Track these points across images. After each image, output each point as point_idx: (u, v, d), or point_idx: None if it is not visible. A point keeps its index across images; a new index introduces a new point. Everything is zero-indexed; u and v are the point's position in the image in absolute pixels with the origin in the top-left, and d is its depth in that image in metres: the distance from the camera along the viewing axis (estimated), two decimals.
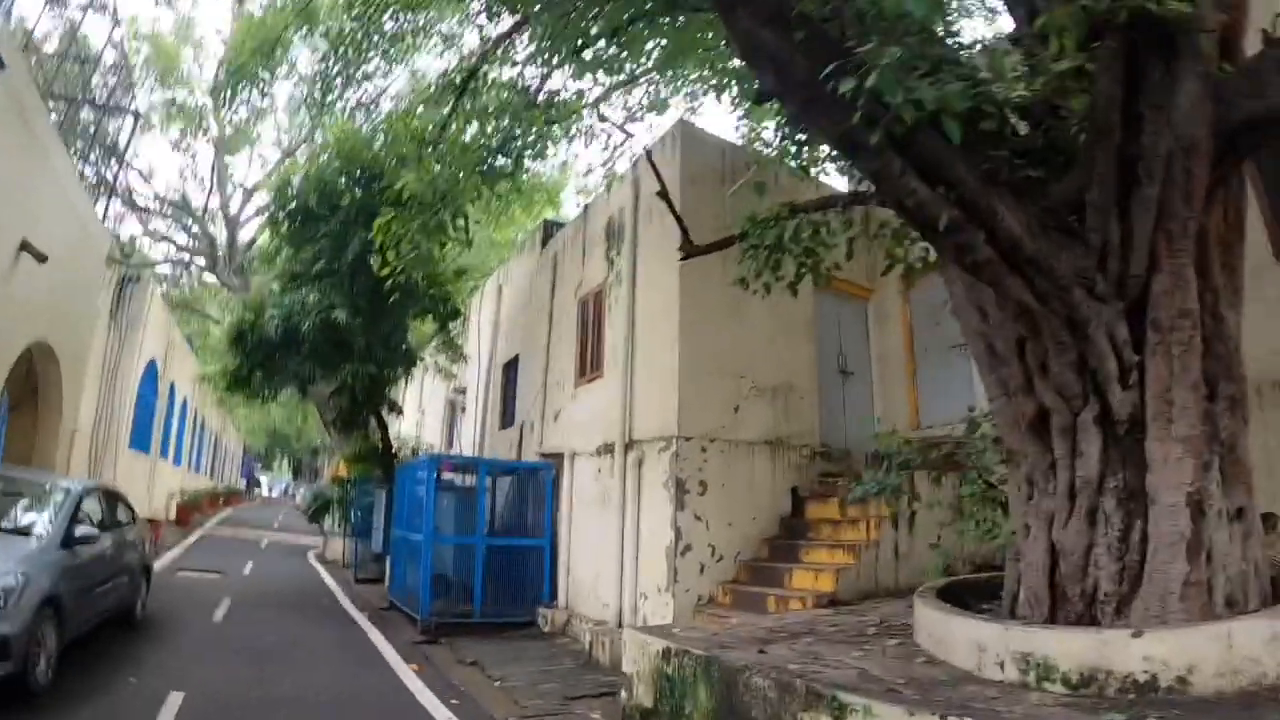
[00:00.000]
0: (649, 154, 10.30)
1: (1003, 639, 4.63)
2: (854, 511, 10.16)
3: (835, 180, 12.20)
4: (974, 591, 6.38)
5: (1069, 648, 4.34)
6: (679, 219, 9.11)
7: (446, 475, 12.82)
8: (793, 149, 9.22)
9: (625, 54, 10.66)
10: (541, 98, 10.76)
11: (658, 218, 11.24)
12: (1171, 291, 4.98)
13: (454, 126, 10.10)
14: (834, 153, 8.17)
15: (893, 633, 6.41)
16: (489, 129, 10.19)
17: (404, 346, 16.76)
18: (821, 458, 11.51)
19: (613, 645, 9.43)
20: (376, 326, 15.33)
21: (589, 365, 12.34)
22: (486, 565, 11.58)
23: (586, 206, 13.76)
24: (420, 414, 21.76)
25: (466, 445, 17.37)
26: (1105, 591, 4.71)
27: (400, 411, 18.85)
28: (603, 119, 12.61)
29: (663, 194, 9.32)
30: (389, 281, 11.65)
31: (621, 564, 10.36)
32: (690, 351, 10.43)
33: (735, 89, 11.24)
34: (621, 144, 11.87)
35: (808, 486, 11.16)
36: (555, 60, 10.24)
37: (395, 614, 12.81)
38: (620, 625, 10.17)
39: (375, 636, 10.96)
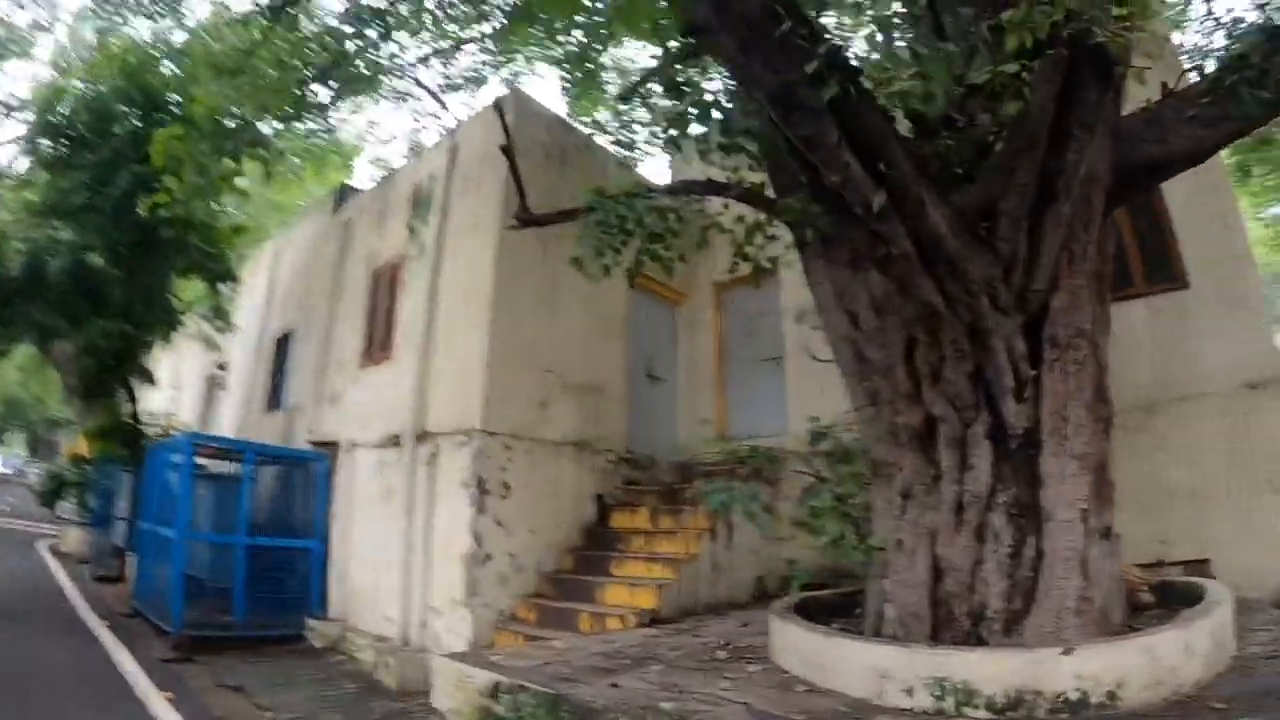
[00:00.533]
0: (499, 106, 8.91)
1: (910, 663, 4.24)
2: (666, 522, 9.32)
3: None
4: (821, 609, 5.99)
5: (992, 670, 4.05)
6: (519, 181, 7.85)
7: (205, 460, 10.68)
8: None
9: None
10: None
11: (474, 188, 9.88)
12: (1069, 310, 4.94)
13: (264, 54, 8.33)
14: (681, 135, 7.25)
15: (744, 656, 5.82)
16: (307, 53, 8.46)
17: (167, 306, 14.02)
18: (627, 464, 10.56)
19: (401, 667, 7.93)
20: (137, 279, 12.75)
21: (377, 345, 10.65)
22: (249, 568, 9.57)
23: (391, 171, 12.06)
24: (175, 390, 18.69)
25: (226, 428, 14.84)
26: (994, 609, 4.54)
27: (154, 383, 15.89)
28: (419, 84, 11.20)
29: (507, 151, 8.03)
30: (158, 223, 9.53)
31: (408, 573, 8.85)
32: (501, 338, 9.11)
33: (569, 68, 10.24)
34: (434, 112, 10.56)
35: (612, 494, 10.16)
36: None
37: (141, 623, 10.34)
38: (407, 643, 8.71)
39: (117, 654, 8.61)
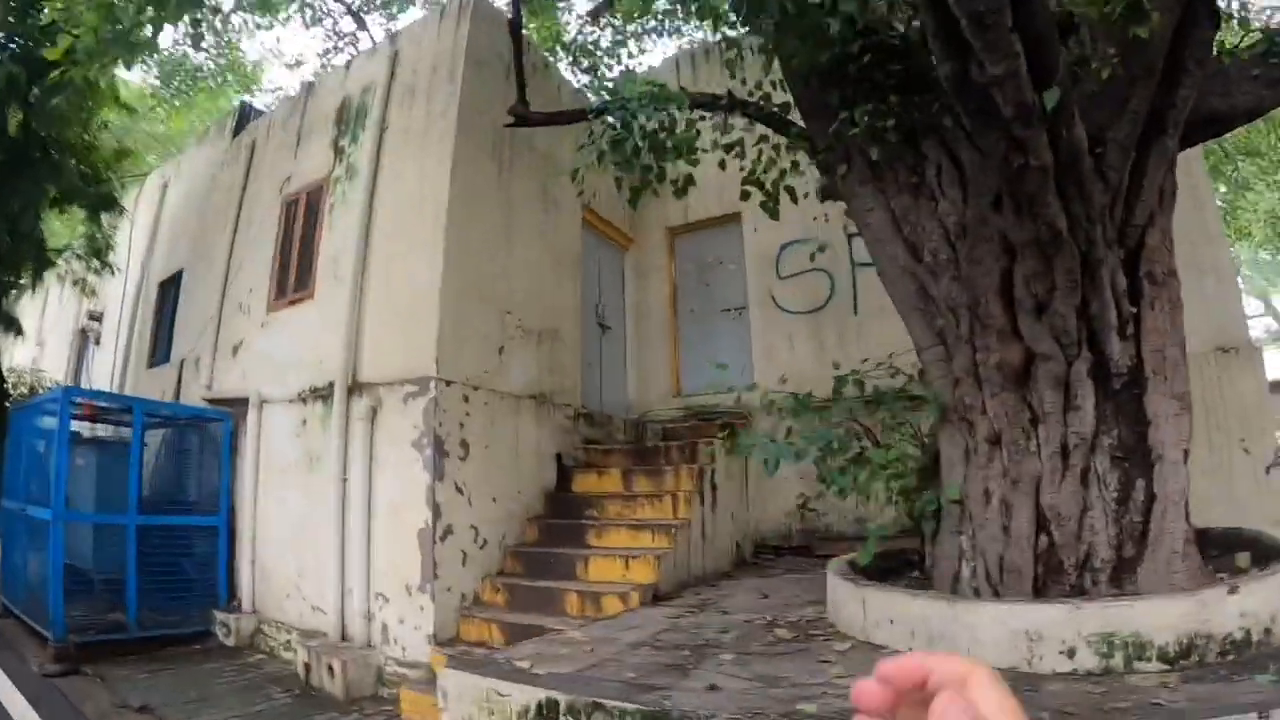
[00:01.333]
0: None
1: (1074, 621, 3.64)
2: (643, 485, 7.76)
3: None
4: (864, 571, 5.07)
5: (1163, 618, 3.60)
6: (520, 71, 6.15)
7: (81, 424, 8.28)
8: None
9: None
10: None
11: (422, 100, 7.92)
12: (1161, 248, 4.63)
13: None
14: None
15: (811, 632, 4.86)
16: None
17: (37, 241, 10.97)
18: (585, 421, 8.93)
19: (345, 670, 6.10)
20: (1, 207, 9.98)
21: (293, 283, 8.50)
22: (142, 555, 7.33)
23: (309, 84, 9.77)
24: (39, 345, 15.41)
25: (101, 386, 12.11)
26: (1102, 558, 4.10)
27: (20, 332, 12.75)
28: None
29: (514, 28, 6.30)
30: (29, 141, 7.15)
31: (343, 553, 6.93)
32: (456, 270, 7.26)
33: None
34: (351, 33, 8.52)
35: (572, 455, 8.52)
36: None
37: (12, 626, 7.94)
38: (346, 638, 6.83)
39: None
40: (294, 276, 8.45)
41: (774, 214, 6.90)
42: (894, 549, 5.85)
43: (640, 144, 5.86)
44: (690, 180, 6.74)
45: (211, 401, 8.82)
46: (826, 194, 6.66)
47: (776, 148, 6.45)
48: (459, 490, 6.82)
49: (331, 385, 7.47)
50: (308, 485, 7.51)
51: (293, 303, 8.37)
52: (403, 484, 6.74)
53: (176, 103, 13.27)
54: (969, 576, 4.39)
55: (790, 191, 6.58)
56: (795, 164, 6.40)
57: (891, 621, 4.23)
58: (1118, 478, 4.21)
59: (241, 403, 8.50)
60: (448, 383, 6.91)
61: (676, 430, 9.30)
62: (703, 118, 6.48)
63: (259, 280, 8.88)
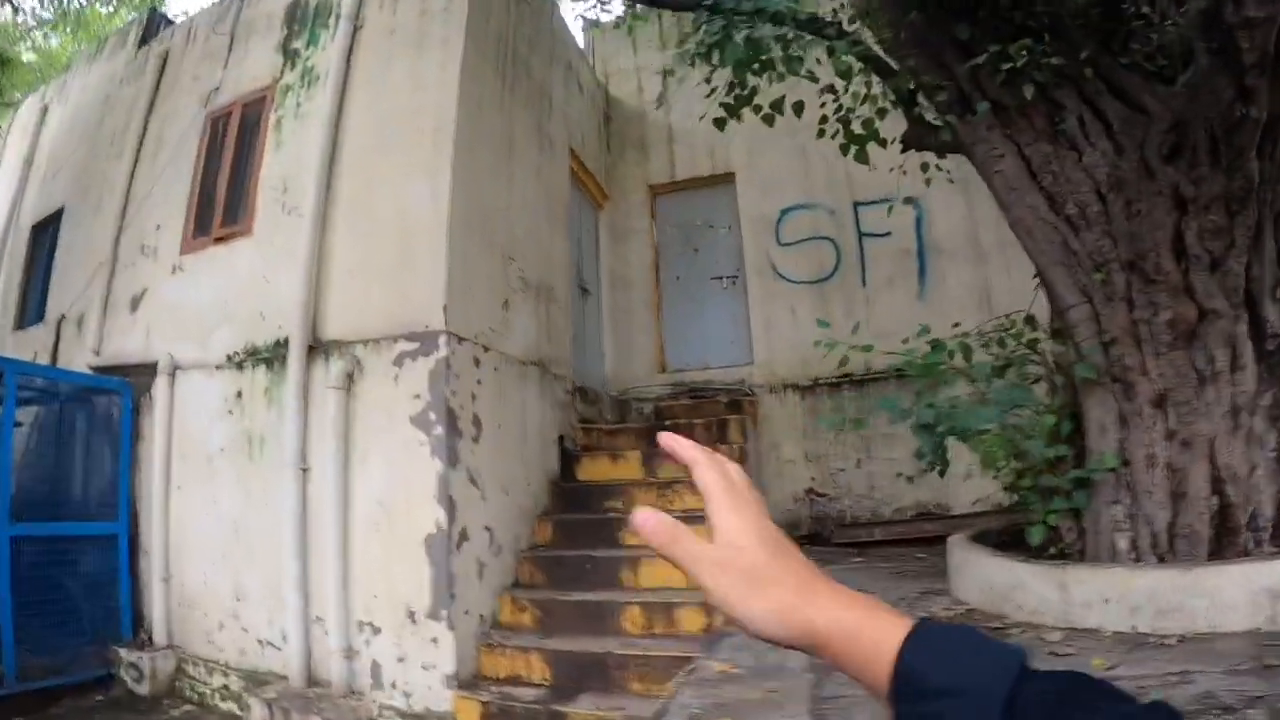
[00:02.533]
0: None
1: None
2: (671, 469, 5.96)
3: None
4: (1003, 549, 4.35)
5: None
6: None
7: None
8: None
9: None
10: None
11: None
12: None
13: None
14: None
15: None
16: None
17: None
18: (580, 397, 7.06)
19: None
20: None
21: (220, 216, 6.03)
22: (16, 578, 4.70)
23: None
24: None
25: None
26: (1266, 517, 3.75)
27: None
28: None
29: None
30: None
31: (305, 569, 4.72)
32: (464, 200, 5.19)
33: None
34: None
35: (570, 436, 6.65)
36: None
37: None
38: (317, 682, 4.66)
39: None
40: (221, 209, 6.04)
41: (864, 159, 5.48)
42: (984, 526, 5.34)
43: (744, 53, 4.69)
44: (778, 105, 5.22)
45: (102, 370, 6.30)
46: (911, 142, 5.51)
47: (869, 85, 5.47)
48: (473, 482, 4.81)
49: (281, 345, 5.23)
50: (247, 479, 5.22)
51: (221, 240, 5.94)
52: (399, 474, 4.65)
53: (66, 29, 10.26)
54: (1126, 548, 3.91)
55: (877, 136, 5.40)
56: (882, 109, 5.39)
57: (1107, 601, 3.56)
58: (1276, 437, 3.92)
59: (145, 370, 6.04)
60: (460, 339, 4.89)
61: (672, 409, 7.54)
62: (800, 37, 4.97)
63: (170, 215, 6.36)
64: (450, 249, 4.97)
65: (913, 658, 0.52)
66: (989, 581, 4.10)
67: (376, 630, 4.48)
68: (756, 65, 5.08)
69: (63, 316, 6.93)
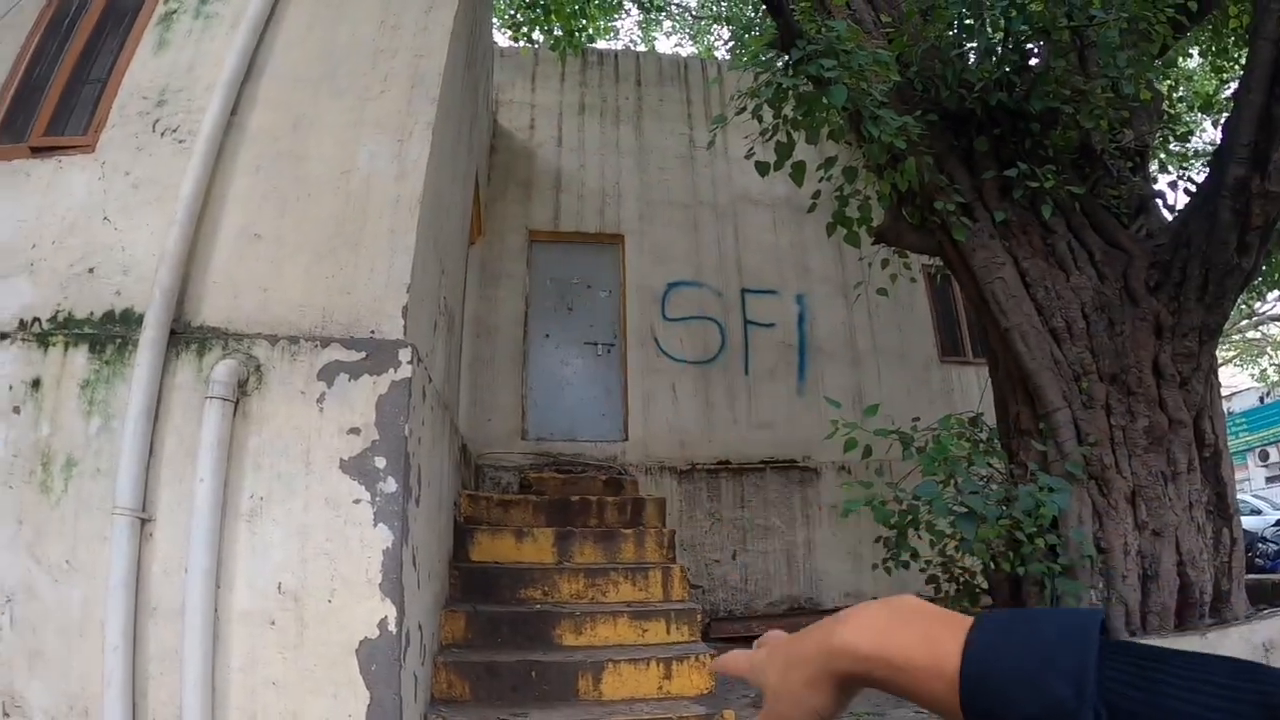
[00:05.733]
0: None
1: (1255, 636, 3.98)
2: (588, 554, 4.80)
3: None
4: None
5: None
6: None
7: None
8: None
9: None
10: None
11: None
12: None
13: None
14: None
15: None
16: None
17: None
18: (462, 454, 5.51)
19: None
20: None
21: (45, 119, 3.69)
22: None
23: None
24: None
25: None
26: (1208, 594, 4.25)
27: None
28: None
29: None
30: None
31: (133, 676, 2.72)
32: (434, 177, 3.78)
33: None
34: None
35: (459, 505, 5.08)
36: None
37: None
38: None
39: None
40: (50, 110, 3.80)
41: (855, 241, 5.04)
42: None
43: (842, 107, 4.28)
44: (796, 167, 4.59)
45: None
46: (888, 237, 5.56)
47: (851, 172, 5.12)
48: (414, 563, 3.24)
49: (123, 319, 3.27)
50: (36, 521, 2.99)
51: (41, 152, 3.66)
52: (319, 545, 2.94)
53: None
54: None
55: (870, 223, 5.21)
56: (868, 198, 5.09)
57: None
58: (1212, 528, 4.41)
59: None
60: (418, 356, 3.37)
61: (543, 482, 6.19)
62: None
63: None
64: (421, 232, 3.49)
65: (979, 669, 0.43)
66: None
67: None
68: (834, 119, 4.48)
69: None
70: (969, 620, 0.45)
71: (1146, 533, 4.23)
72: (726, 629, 6.28)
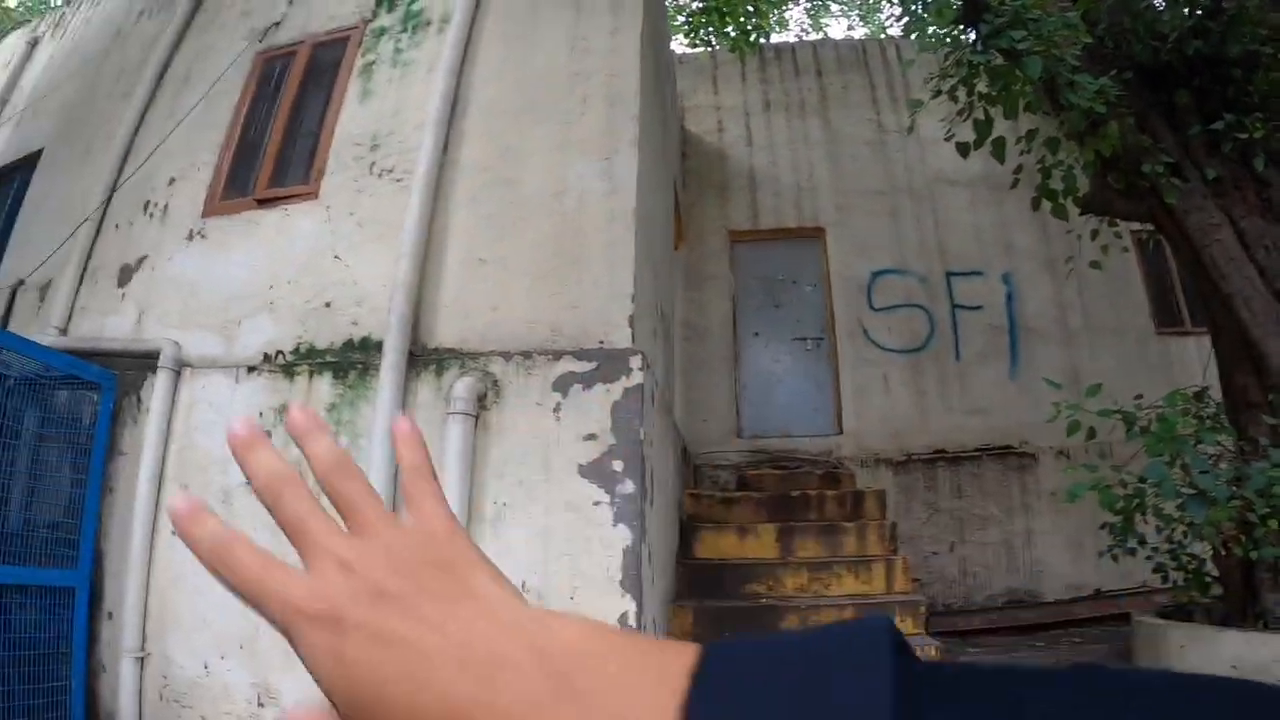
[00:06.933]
0: None
1: None
2: (812, 548, 4.59)
3: None
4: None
5: None
6: None
7: None
8: None
9: None
10: None
11: None
12: None
13: None
14: None
15: None
16: None
17: None
18: (683, 454, 5.55)
19: None
20: None
21: (268, 173, 4.24)
22: None
23: None
24: None
25: None
26: None
27: None
28: None
29: None
30: None
31: None
32: (648, 183, 3.84)
33: None
34: None
35: (682, 504, 5.11)
36: None
37: None
38: None
39: None
40: (271, 164, 4.26)
41: (1063, 214, 4.71)
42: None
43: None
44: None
45: (76, 353, 4.33)
46: (1095, 206, 5.06)
47: (1053, 143, 4.79)
48: (650, 560, 3.25)
49: (363, 346, 3.57)
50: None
51: (267, 203, 4.15)
52: (561, 546, 3.03)
53: None
54: None
55: (1077, 193, 4.81)
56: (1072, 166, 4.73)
57: None
58: None
59: (134, 362, 4.11)
60: (648, 363, 3.38)
61: (761, 479, 6.05)
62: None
63: (191, 167, 4.48)
64: (638, 243, 3.49)
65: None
66: (1237, 657, 3.47)
67: None
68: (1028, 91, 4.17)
69: (20, 283, 4.86)
70: (684, 663, 0.26)
71: None
72: (945, 623, 5.87)
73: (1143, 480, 3.71)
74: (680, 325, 7.06)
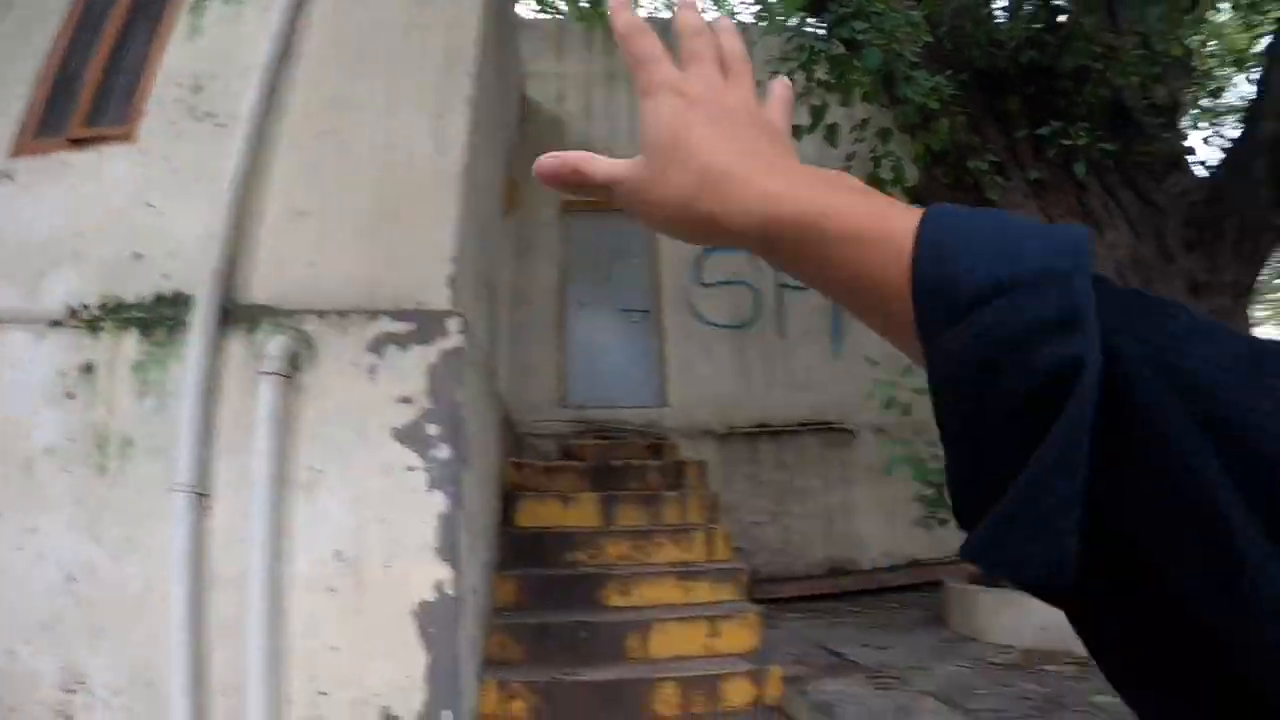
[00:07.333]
0: None
1: None
2: (633, 516, 4.82)
3: None
4: None
5: None
6: None
7: None
8: None
9: None
10: None
11: None
12: None
13: None
14: None
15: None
16: None
17: None
18: (505, 422, 5.55)
19: None
20: None
21: (84, 111, 3.70)
22: None
23: None
24: None
25: None
26: None
27: None
28: None
29: None
30: None
31: (198, 648, 2.81)
32: (474, 149, 3.76)
33: None
34: None
35: (504, 473, 5.12)
36: None
37: None
38: None
39: None
40: (89, 102, 3.79)
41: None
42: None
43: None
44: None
45: None
46: (917, 197, 5.45)
47: (885, 134, 5.23)
48: (469, 527, 3.26)
49: (173, 301, 3.30)
50: (96, 502, 3.08)
51: (81, 143, 3.73)
52: (375, 513, 2.97)
53: None
54: None
55: (905, 190, 5.25)
56: (908, 157, 5.13)
57: None
58: None
59: None
60: (466, 326, 3.36)
61: (583, 450, 6.21)
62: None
63: (2, 100, 4.02)
64: (463, 204, 3.46)
65: (940, 236, 0.31)
66: (1045, 621, 3.84)
67: None
68: (865, 81, 4.43)
69: None
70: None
71: None
72: (767, 590, 6.28)
73: None
74: (509, 293, 7.04)
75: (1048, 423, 0.25)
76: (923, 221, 0.32)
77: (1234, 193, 4.38)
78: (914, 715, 3.05)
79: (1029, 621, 3.96)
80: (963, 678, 3.58)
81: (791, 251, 0.36)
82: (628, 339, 7.31)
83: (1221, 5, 8.53)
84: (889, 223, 0.33)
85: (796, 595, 6.27)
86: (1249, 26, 7.73)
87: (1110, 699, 3.00)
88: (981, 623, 4.31)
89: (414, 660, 2.80)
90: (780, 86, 0.49)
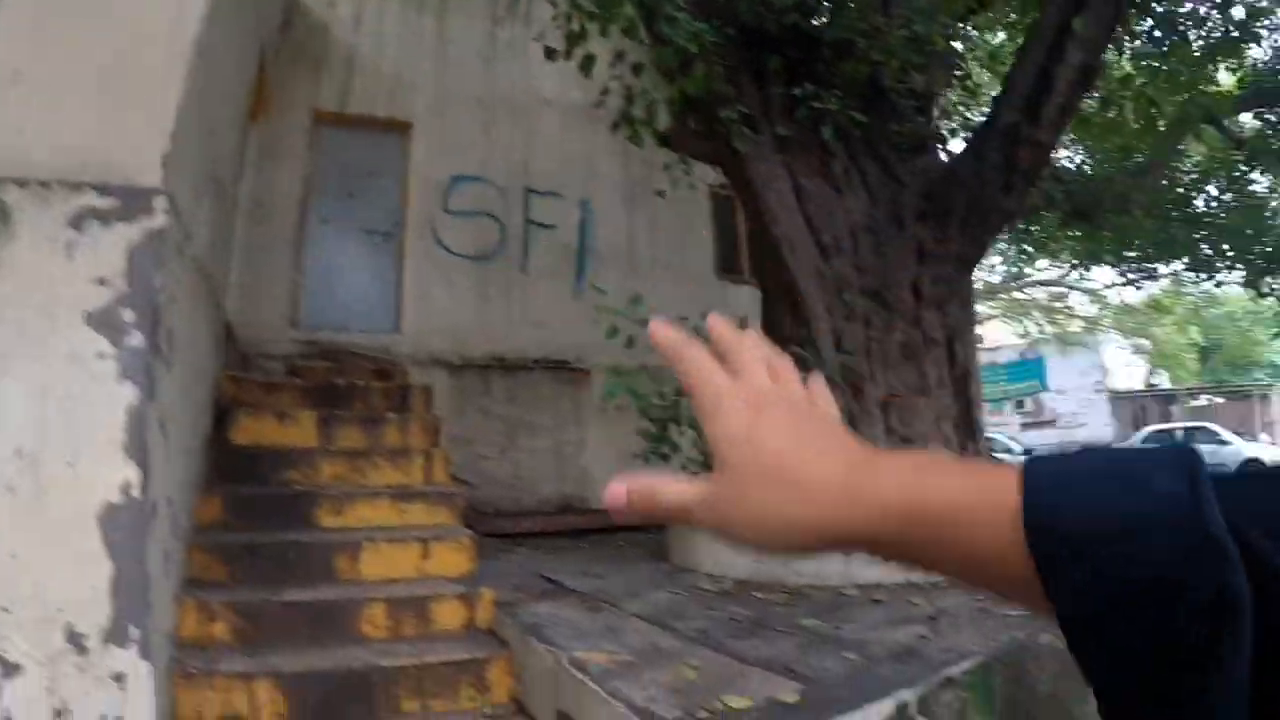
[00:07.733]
0: None
1: None
2: (351, 438, 4.75)
3: None
4: None
5: None
6: None
7: None
8: None
9: None
10: None
11: None
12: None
13: None
14: None
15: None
16: None
17: None
18: (227, 335, 5.07)
19: None
20: None
21: None
22: None
23: None
24: None
25: None
26: None
27: None
28: None
29: None
30: None
31: None
32: (216, 12, 3.33)
33: None
34: None
35: (220, 386, 4.69)
36: None
37: None
38: None
39: None
40: None
41: (639, 142, 5.24)
42: None
43: None
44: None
45: None
46: (675, 144, 5.71)
47: (639, 69, 5.22)
48: (162, 428, 3.01)
49: None
50: None
51: None
52: (59, 404, 2.65)
53: None
54: None
55: (655, 133, 5.39)
56: (655, 101, 5.20)
57: None
58: (958, 439, 4.84)
59: None
60: (176, 209, 3.06)
61: (313, 371, 5.89)
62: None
63: None
64: (190, 81, 3.12)
65: (1041, 496, 0.32)
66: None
67: (11, 668, 2.43)
68: (628, 14, 4.42)
69: None
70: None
71: (895, 438, 4.51)
72: (495, 524, 6.43)
73: (679, 394, 4.06)
74: (247, 202, 6.39)
75: (1203, 644, 0.27)
76: (1025, 482, 0.33)
77: (969, 174, 4.83)
78: (621, 634, 3.15)
79: (744, 554, 4.36)
80: (675, 603, 3.73)
81: (897, 542, 0.37)
82: (368, 261, 7.00)
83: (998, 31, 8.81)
84: (988, 489, 0.34)
85: (528, 531, 6.33)
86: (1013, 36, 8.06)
87: (819, 622, 3.26)
88: (699, 556, 4.50)
89: (98, 570, 2.56)
90: (815, 383, 0.50)
